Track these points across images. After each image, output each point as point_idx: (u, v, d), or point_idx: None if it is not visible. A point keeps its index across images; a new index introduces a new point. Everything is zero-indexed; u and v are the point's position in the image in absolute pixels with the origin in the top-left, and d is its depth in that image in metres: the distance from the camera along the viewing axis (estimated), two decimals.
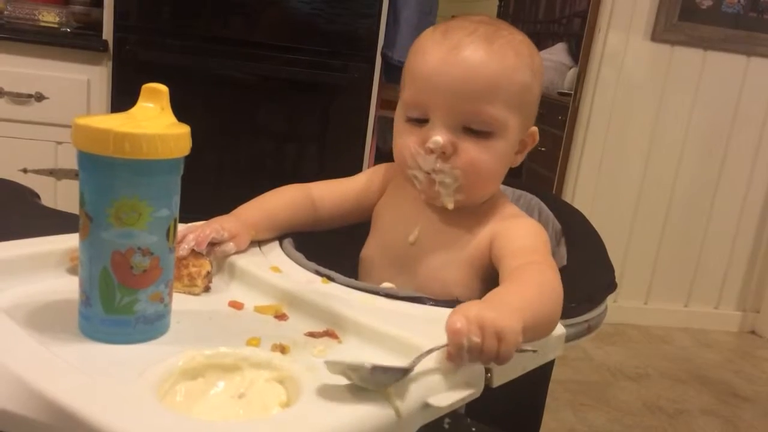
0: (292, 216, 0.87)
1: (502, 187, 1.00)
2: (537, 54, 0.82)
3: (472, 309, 0.56)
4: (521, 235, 0.80)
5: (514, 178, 0.97)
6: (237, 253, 0.78)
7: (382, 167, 0.94)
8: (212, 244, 0.75)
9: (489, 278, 0.81)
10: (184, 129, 0.58)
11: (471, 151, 0.78)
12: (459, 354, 0.55)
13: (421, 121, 0.80)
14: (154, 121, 0.58)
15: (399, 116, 0.83)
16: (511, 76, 0.77)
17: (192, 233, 0.74)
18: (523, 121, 0.81)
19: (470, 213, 0.84)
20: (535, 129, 0.85)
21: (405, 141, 0.81)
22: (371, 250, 0.91)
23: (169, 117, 0.60)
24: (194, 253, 0.74)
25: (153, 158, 0.55)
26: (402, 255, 0.86)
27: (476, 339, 0.55)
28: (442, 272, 0.83)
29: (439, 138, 0.77)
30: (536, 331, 0.63)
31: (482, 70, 0.76)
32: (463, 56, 0.76)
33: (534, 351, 0.61)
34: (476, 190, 0.82)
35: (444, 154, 0.78)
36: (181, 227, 0.72)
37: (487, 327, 0.55)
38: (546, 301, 0.65)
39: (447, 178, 0.79)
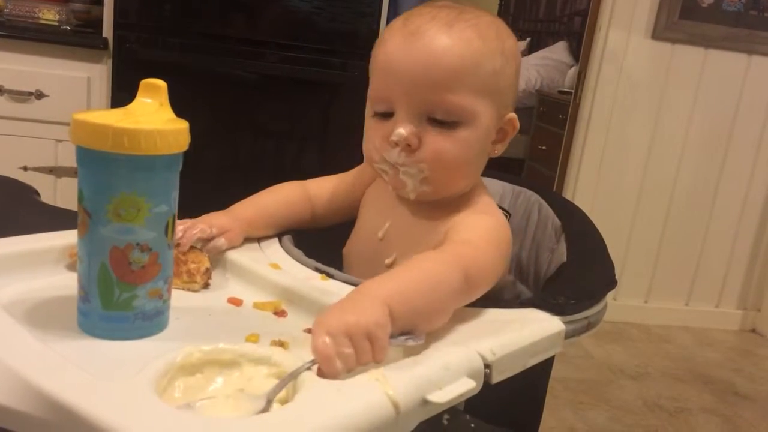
0: (288, 212, 0.87)
1: (501, 184, 1.00)
2: (509, 36, 0.78)
3: (332, 320, 0.54)
4: (471, 228, 0.75)
5: (514, 176, 0.96)
6: (232, 248, 0.78)
7: None
8: (204, 241, 0.75)
9: None
10: (183, 124, 0.58)
11: (436, 142, 0.75)
12: (335, 372, 0.52)
13: (387, 115, 0.77)
14: (153, 117, 0.58)
15: (367, 113, 0.80)
16: (477, 62, 0.73)
17: (179, 226, 0.74)
18: (497, 109, 0.77)
19: (442, 207, 0.81)
20: (513, 116, 0.81)
21: (371, 136, 0.79)
22: (349, 245, 0.90)
23: (168, 112, 0.59)
24: (193, 250, 0.74)
25: (151, 154, 0.55)
26: (371, 250, 0.85)
27: (348, 350, 0.52)
28: None
29: (402, 130, 0.74)
30: (413, 318, 0.59)
31: (443, 57, 0.72)
32: (422, 43, 0.73)
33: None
34: (444, 183, 0.78)
35: (409, 146, 0.75)
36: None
37: (354, 334, 0.53)
38: (425, 286, 0.61)
39: (412, 169, 0.76)
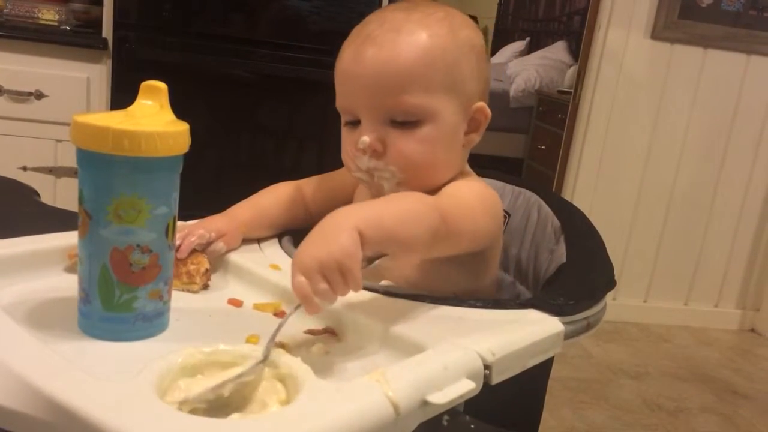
0: (285, 212, 0.88)
1: (501, 184, 1.00)
2: (464, 26, 0.79)
3: (305, 257, 0.56)
4: (455, 188, 0.78)
5: (514, 176, 0.96)
6: (230, 251, 0.78)
7: None
8: (203, 246, 0.76)
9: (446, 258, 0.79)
10: (183, 126, 0.58)
11: (400, 144, 0.76)
12: (313, 306, 0.56)
13: (355, 123, 0.79)
14: (153, 119, 0.58)
15: (342, 121, 0.82)
16: (428, 60, 0.74)
17: (177, 233, 0.74)
18: (460, 101, 0.78)
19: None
20: (482, 104, 0.81)
21: (344, 145, 0.81)
22: None
23: (168, 114, 0.60)
24: (193, 251, 0.74)
25: (152, 155, 0.55)
26: None
27: (323, 286, 0.55)
28: (396, 261, 0.82)
29: (365, 138, 0.76)
30: (386, 243, 0.61)
31: (391, 61, 0.74)
32: (373, 51, 0.74)
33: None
34: (419, 181, 0.78)
35: (375, 152, 0.77)
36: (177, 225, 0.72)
37: (326, 267, 0.55)
38: (398, 214, 0.63)
39: (385, 173, 0.78)
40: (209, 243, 0.76)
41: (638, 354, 2.47)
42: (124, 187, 0.56)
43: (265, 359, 0.53)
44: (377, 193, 0.82)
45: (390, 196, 0.68)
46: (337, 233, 0.57)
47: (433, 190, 0.80)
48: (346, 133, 0.81)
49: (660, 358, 2.46)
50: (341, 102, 0.80)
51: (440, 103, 0.76)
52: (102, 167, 0.56)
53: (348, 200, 0.93)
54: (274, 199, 0.89)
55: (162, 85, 0.60)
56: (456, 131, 0.80)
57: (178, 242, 0.73)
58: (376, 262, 0.61)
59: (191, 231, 0.76)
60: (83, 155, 0.56)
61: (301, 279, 0.55)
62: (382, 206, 0.64)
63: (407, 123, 0.76)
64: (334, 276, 0.55)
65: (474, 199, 0.77)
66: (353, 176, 0.83)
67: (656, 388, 2.22)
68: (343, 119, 0.81)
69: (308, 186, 0.93)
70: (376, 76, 0.74)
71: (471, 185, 0.81)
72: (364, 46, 0.75)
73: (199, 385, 0.51)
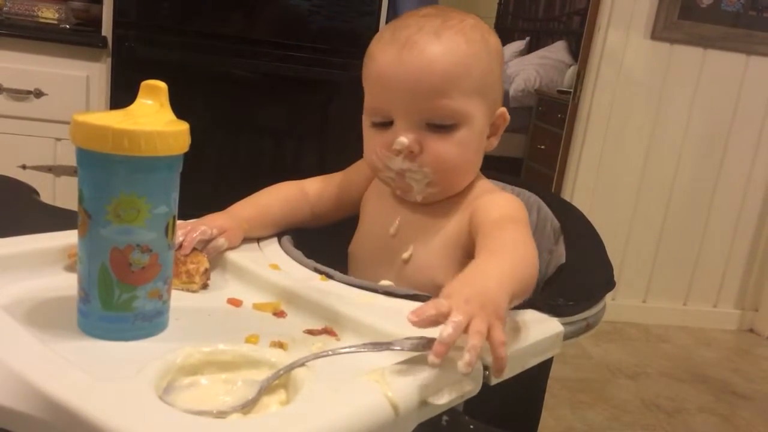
0: (287, 211, 0.88)
1: (500, 185, 1.00)
2: (491, 34, 0.82)
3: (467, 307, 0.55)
4: (498, 206, 0.80)
5: (513, 176, 0.97)
6: (231, 248, 0.78)
7: None
8: (205, 242, 0.76)
9: (470, 259, 0.80)
10: (183, 126, 0.58)
11: (437, 146, 0.78)
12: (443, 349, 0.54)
13: (386, 124, 0.80)
14: (153, 118, 0.58)
15: (365, 122, 0.83)
16: (467, 66, 0.77)
17: (180, 230, 0.75)
18: (488, 105, 0.81)
19: (449, 200, 0.84)
20: (503, 110, 0.84)
21: (372, 145, 0.82)
22: (356, 243, 0.92)
23: (168, 114, 0.60)
24: (193, 249, 0.74)
25: (152, 155, 0.55)
26: (384, 247, 0.86)
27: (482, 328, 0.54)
28: (424, 261, 0.83)
29: (404, 139, 0.77)
30: (518, 298, 0.64)
31: (435, 66, 0.76)
32: (414, 54, 0.76)
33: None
34: (449, 183, 0.82)
35: (411, 153, 0.78)
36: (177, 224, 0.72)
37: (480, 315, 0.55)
38: (525, 267, 0.67)
39: (417, 175, 0.80)
40: (211, 239, 0.76)
41: (637, 354, 2.47)
42: (123, 187, 0.56)
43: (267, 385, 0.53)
44: (403, 193, 0.84)
45: (507, 248, 0.70)
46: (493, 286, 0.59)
47: (455, 192, 0.83)
48: (373, 134, 0.82)
49: (659, 359, 2.46)
50: (375, 103, 0.81)
51: (474, 108, 0.79)
52: (102, 167, 0.56)
53: (353, 201, 0.93)
54: (276, 198, 0.89)
55: (162, 85, 0.60)
56: (483, 135, 0.83)
57: (180, 238, 0.73)
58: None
59: (194, 227, 0.76)
60: (83, 155, 0.56)
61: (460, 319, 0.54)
62: (513, 265, 0.66)
63: (443, 126, 0.78)
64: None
65: (521, 211, 0.81)
66: (379, 177, 0.84)
67: (655, 389, 2.22)
68: (372, 119, 0.82)
69: (312, 186, 0.93)
70: (418, 80, 0.76)
71: (511, 200, 0.83)
72: (406, 49, 0.76)
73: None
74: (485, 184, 0.88)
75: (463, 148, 0.80)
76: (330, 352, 0.56)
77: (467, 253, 0.81)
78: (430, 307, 0.54)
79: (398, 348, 0.56)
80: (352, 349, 0.57)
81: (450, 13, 0.80)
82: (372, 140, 0.82)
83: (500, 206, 0.80)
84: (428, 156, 0.78)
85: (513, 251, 0.69)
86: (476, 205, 0.82)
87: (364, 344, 0.58)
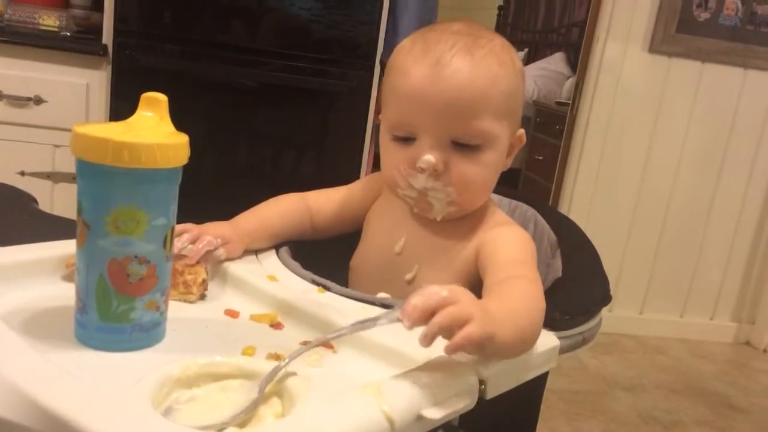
0: (289, 224, 0.87)
1: (498, 197, 1.01)
2: (516, 54, 0.81)
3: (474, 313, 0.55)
4: (508, 247, 0.79)
5: (511, 188, 0.97)
6: (230, 260, 0.78)
7: (377, 175, 0.93)
8: (208, 252, 0.76)
9: (476, 286, 0.80)
10: (183, 138, 0.58)
11: (462, 166, 0.77)
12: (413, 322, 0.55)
13: (408, 139, 0.78)
14: (153, 131, 0.58)
15: (384, 135, 0.82)
16: (498, 87, 0.76)
17: (187, 233, 0.75)
18: (511, 126, 0.81)
19: (458, 221, 0.83)
20: (522, 131, 0.84)
21: (393, 161, 0.80)
22: (359, 258, 0.91)
23: (168, 126, 0.60)
24: None
25: (151, 167, 0.56)
26: (388, 264, 0.86)
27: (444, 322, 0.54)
28: (428, 283, 0.82)
29: (430, 157, 0.76)
30: (514, 346, 0.61)
31: (469, 86, 0.75)
32: (448, 73, 0.74)
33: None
34: (470, 202, 0.81)
35: (436, 171, 0.77)
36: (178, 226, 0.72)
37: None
38: (526, 318, 0.64)
39: (440, 194, 0.79)
40: (214, 249, 0.76)
41: (633, 366, 2.47)
42: (123, 199, 0.56)
43: (260, 394, 0.53)
44: (423, 211, 0.82)
45: (511, 294, 0.67)
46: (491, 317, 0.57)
47: (469, 212, 0.83)
48: (394, 148, 0.80)
49: (655, 371, 2.46)
50: (400, 118, 0.79)
51: (501, 129, 0.78)
52: (101, 178, 0.56)
53: (355, 216, 0.92)
54: (279, 210, 0.88)
55: (162, 97, 0.60)
56: (504, 155, 0.82)
57: (187, 245, 0.74)
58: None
59: (200, 237, 0.75)
60: (83, 166, 0.57)
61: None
62: (514, 311, 0.64)
63: (469, 146, 0.77)
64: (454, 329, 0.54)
65: (531, 253, 0.79)
66: (397, 194, 0.82)
67: (651, 401, 2.22)
68: (394, 133, 0.80)
69: (314, 199, 0.91)
70: (450, 100, 0.75)
71: (516, 235, 0.81)
72: (439, 67, 0.75)
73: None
74: (495, 211, 0.87)
75: (488, 169, 0.79)
76: (318, 340, 0.57)
77: (472, 279, 0.80)
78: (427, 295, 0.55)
79: (385, 321, 0.57)
80: (344, 332, 0.58)
81: (479, 31, 0.79)
82: (393, 155, 0.80)
83: (509, 247, 0.78)
84: (453, 175, 0.77)
85: (519, 303, 0.66)
86: (485, 239, 0.81)
87: (353, 324, 0.58)
